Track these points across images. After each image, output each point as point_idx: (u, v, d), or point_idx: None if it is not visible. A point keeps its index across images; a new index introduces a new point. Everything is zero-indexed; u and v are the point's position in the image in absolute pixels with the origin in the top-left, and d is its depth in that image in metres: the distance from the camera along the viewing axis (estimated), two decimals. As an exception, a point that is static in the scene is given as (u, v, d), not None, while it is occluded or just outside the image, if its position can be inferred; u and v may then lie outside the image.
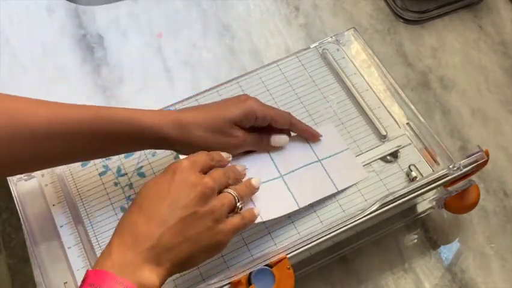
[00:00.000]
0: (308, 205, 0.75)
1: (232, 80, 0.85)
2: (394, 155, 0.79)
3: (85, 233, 0.74)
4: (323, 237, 0.69)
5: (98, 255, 0.69)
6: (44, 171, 0.78)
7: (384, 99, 0.83)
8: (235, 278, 0.66)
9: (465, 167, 0.73)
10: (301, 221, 0.74)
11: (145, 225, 0.61)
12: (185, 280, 0.71)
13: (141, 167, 0.79)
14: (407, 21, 0.99)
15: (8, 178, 0.77)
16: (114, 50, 0.97)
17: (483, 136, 0.89)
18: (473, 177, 0.76)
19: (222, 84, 0.85)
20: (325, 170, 0.77)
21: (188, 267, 0.65)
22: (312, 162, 0.77)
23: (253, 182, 0.70)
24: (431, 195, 0.78)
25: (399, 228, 0.80)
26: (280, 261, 0.67)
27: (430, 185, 0.73)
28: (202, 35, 1.00)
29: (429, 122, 0.84)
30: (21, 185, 0.77)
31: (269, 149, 0.77)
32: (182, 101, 0.83)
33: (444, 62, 0.96)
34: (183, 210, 0.62)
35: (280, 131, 0.77)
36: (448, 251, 0.80)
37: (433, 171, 0.77)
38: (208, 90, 0.84)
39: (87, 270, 0.59)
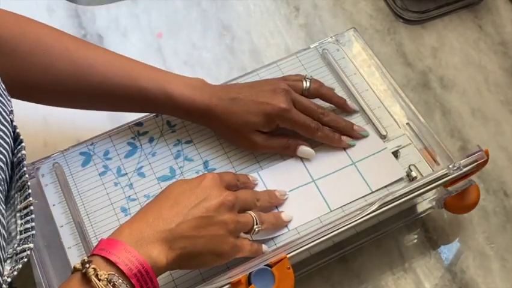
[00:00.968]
0: (308, 205, 0.75)
1: (232, 80, 0.85)
2: (394, 154, 0.79)
3: (85, 233, 0.74)
4: (322, 237, 0.69)
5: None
6: (44, 171, 0.78)
7: (384, 99, 0.83)
8: (235, 278, 0.66)
9: (465, 166, 0.73)
10: (301, 221, 0.75)
11: (168, 211, 0.64)
12: (185, 280, 0.71)
13: (141, 167, 0.79)
14: (407, 21, 0.99)
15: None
16: (114, 50, 0.96)
17: (483, 136, 0.89)
18: (473, 177, 0.76)
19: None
20: (359, 171, 0.77)
21: (193, 265, 0.67)
22: (346, 166, 0.77)
23: (284, 216, 0.73)
24: (431, 195, 0.78)
25: (399, 228, 0.80)
26: (280, 261, 0.67)
27: (430, 184, 0.72)
28: (202, 35, 1.00)
29: (429, 122, 0.84)
30: (21, 185, 0.77)
31: (296, 156, 0.78)
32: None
33: (444, 62, 0.96)
34: (202, 211, 0.65)
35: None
36: (448, 251, 0.80)
37: (433, 171, 0.76)
38: (208, 90, 0.84)
39: (100, 239, 0.62)
